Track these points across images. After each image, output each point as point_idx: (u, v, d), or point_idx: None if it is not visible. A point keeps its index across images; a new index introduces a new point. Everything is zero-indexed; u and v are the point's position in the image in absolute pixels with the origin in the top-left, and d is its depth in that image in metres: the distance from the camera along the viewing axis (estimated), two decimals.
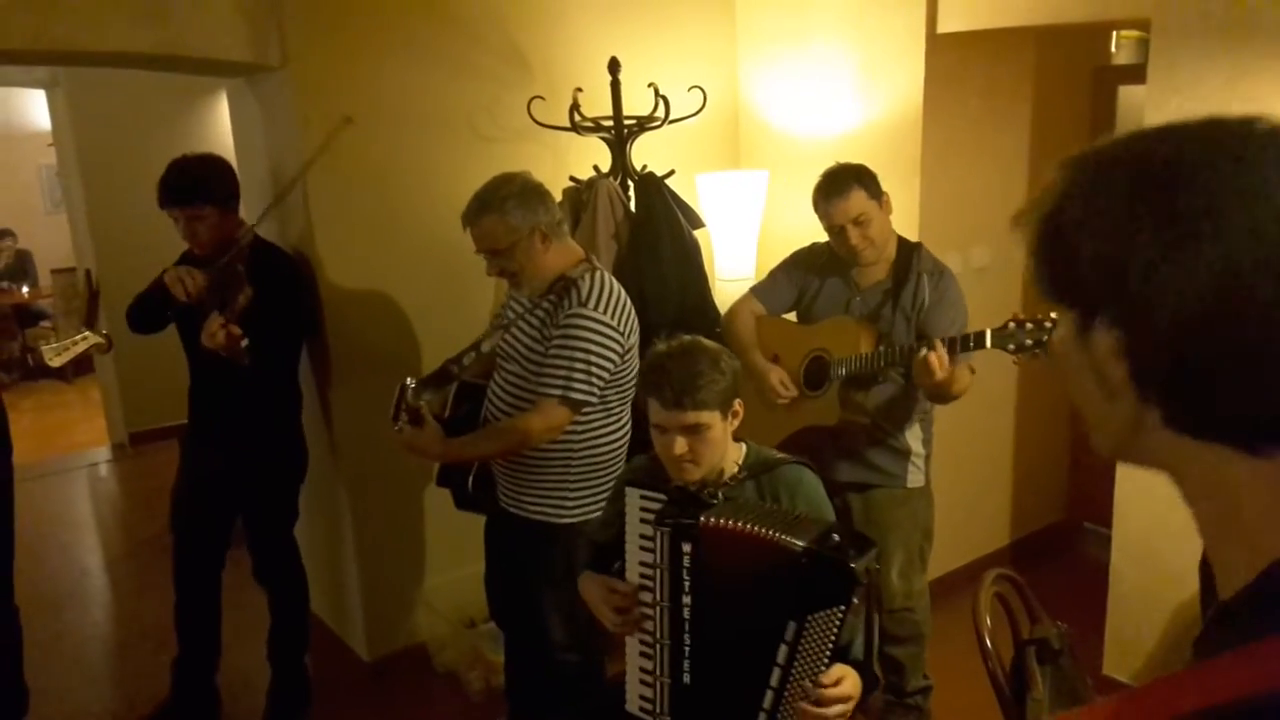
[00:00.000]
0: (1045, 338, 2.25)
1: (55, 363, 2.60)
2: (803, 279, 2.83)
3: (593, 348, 2.34)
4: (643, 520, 1.82)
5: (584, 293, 2.36)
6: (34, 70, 5.87)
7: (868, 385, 2.66)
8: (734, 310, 2.91)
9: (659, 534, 1.72)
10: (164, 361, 3.34)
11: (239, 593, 3.24)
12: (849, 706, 1.65)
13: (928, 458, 2.78)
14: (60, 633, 3.87)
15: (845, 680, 1.65)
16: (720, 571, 1.71)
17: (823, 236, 2.75)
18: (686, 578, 1.71)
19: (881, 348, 2.59)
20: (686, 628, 1.73)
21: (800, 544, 1.62)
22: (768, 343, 2.83)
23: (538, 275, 2.41)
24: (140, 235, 3.07)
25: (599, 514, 2.32)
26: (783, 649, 1.62)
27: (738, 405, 1.95)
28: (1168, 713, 0.58)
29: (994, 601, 2.14)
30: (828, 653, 1.63)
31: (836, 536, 1.66)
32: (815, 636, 1.61)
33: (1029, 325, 2.27)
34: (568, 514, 2.49)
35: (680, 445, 1.87)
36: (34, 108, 8.86)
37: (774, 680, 1.63)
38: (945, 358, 2.33)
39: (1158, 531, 2.88)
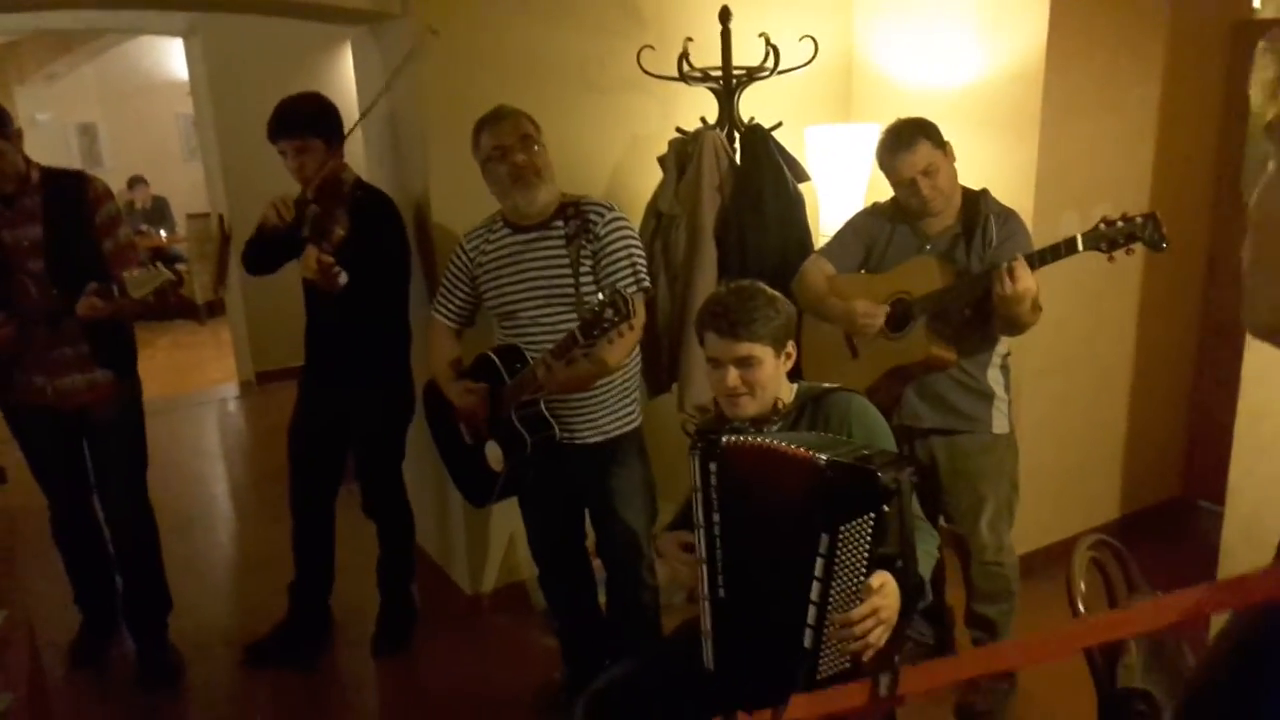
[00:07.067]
0: (1137, 233, 2.26)
1: (136, 295, 2.64)
2: (869, 235, 2.81)
3: (636, 241, 2.64)
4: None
5: (598, 201, 2.63)
6: (173, 18, 6.11)
7: (953, 321, 2.64)
8: (803, 271, 2.88)
9: (692, 459, 1.82)
10: (288, 306, 3.50)
11: (355, 527, 3.41)
12: (893, 611, 1.67)
13: (1010, 403, 2.76)
14: (190, 553, 4.16)
15: (886, 584, 1.67)
16: (744, 488, 1.78)
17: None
18: (715, 496, 1.80)
19: (963, 278, 2.59)
20: (718, 544, 1.81)
21: (824, 457, 1.67)
22: (845, 297, 2.78)
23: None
24: (270, 183, 3.19)
25: None
26: (819, 562, 1.66)
27: (790, 348, 2.06)
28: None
29: (1090, 567, 2.09)
30: (864, 563, 1.66)
31: (867, 453, 1.71)
32: (850, 547, 1.65)
33: (1120, 223, 2.29)
34: (638, 414, 2.76)
35: (733, 376, 1.99)
36: (172, 57, 9.29)
37: (814, 594, 1.67)
38: (1026, 267, 2.36)
39: (1270, 509, 2.76)
